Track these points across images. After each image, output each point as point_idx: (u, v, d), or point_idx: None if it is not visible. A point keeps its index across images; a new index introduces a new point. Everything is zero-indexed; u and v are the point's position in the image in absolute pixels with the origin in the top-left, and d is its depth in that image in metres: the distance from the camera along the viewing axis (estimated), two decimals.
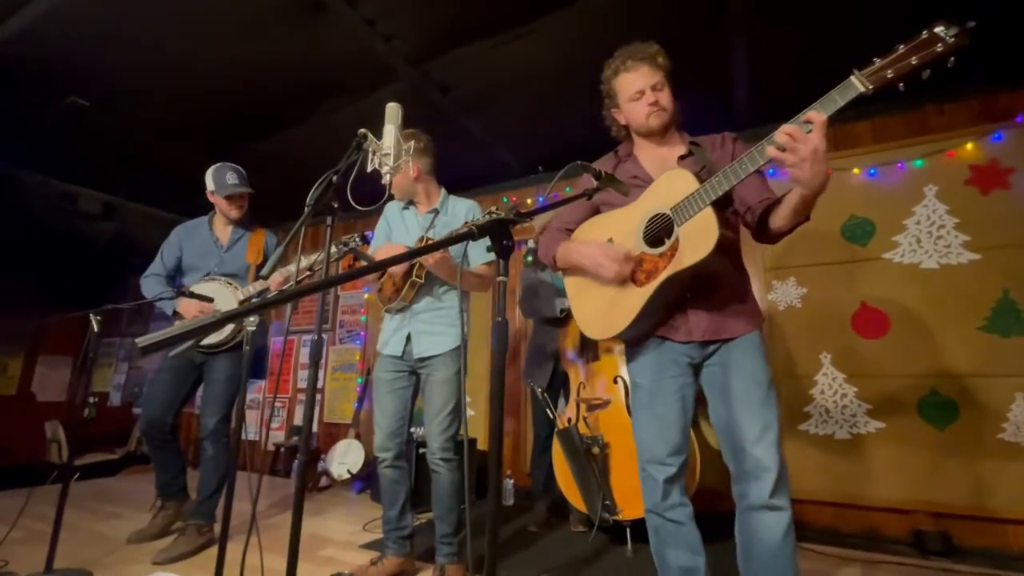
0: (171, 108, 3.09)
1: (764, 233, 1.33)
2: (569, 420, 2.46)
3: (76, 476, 4.02)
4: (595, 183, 1.15)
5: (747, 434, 1.26)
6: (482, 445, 3.53)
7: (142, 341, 0.53)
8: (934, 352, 2.51)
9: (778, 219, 1.26)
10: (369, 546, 2.36)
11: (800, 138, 1.05)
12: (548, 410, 2.59)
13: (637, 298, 1.31)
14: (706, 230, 1.19)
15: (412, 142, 2.03)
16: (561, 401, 2.57)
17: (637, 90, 1.44)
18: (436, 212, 2.06)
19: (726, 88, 2.81)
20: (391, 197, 2.03)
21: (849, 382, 2.65)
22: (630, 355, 1.46)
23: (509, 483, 3.21)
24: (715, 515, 2.44)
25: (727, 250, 1.28)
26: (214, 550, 2.02)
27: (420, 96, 2.85)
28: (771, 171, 3.00)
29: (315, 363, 1.19)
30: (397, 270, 1.95)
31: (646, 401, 1.40)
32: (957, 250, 2.55)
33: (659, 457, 1.35)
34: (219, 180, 2.47)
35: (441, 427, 1.92)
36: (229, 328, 2.25)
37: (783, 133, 1.07)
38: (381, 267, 0.98)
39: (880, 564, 2.23)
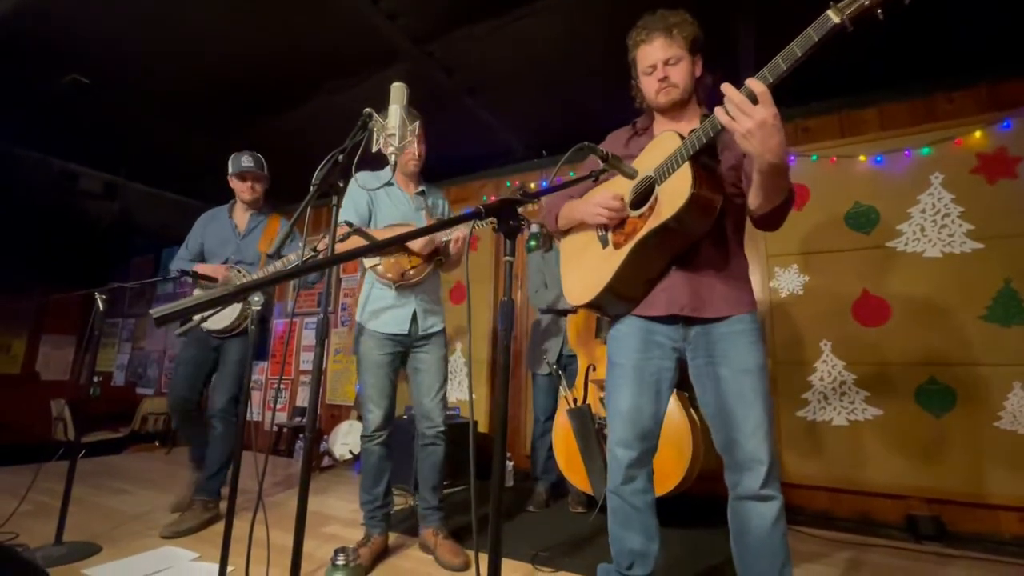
0: (173, 88, 3.06)
1: (751, 215, 1.30)
2: (575, 401, 2.48)
3: (83, 453, 4.08)
4: (601, 165, 1.14)
5: (740, 427, 1.26)
6: (483, 428, 3.57)
7: (157, 312, 0.54)
8: (934, 341, 2.52)
9: (751, 199, 1.23)
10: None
11: (747, 109, 1.01)
12: (562, 387, 2.59)
13: (615, 260, 1.31)
14: (681, 185, 1.17)
15: (418, 123, 2.03)
16: (565, 384, 2.59)
17: (650, 64, 1.38)
18: (424, 193, 2.09)
19: (736, 72, 2.78)
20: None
21: (848, 369, 2.67)
22: (612, 333, 1.46)
23: (509, 465, 3.25)
24: (718, 498, 2.49)
25: (712, 218, 1.24)
26: (220, 526, 2.06)
27: (424, 77, 2.82)
28: None
29: (321, 342, 1.20)
30: (418, 245, 1.93)
31: (621, 382, 1.39)
32: (961, 239, 2.54)
33: (626, 440, 1.36)
34: (234, 162, 2.57)
35: (439, 403, 1.98)
36: (236, 313, 2.29)
37: (723, 109, 1.04)
38: (418, 235, 0.88)
39: (873, 547, 2.27)
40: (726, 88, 1.04)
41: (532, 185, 3.82)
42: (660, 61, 1.37)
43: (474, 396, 3.71)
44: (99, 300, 1.99)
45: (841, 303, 2.74)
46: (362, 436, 1.95)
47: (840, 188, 2.83)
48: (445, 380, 1.99)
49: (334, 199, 1.27)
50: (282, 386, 4.74)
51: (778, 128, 1.04)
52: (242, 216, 2.63)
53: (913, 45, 2.48)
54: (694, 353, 1.36)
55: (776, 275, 2.92)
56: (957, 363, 2.46)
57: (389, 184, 2.06)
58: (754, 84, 1.02)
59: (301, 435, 4.00)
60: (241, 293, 0.55)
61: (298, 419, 4.28)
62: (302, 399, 4.50)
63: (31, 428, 4.10)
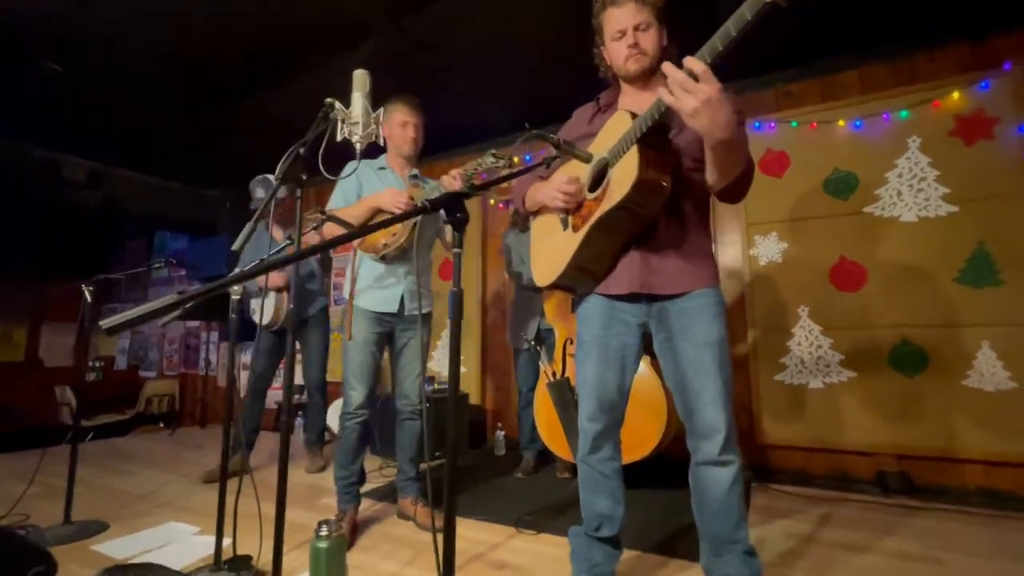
0: (145, 72, 3.03)
1: (711, 189, 1.31)
2: (553, 374, 2.56)
3: (90, 436, 4.22)
4: (555, 151, 1.17)
5: (700, 397, 1.31)
6: (474, 400, 3.68)
7: (106, 323, 0.58)
8: (908, 304, 2.57)
9: (708, 175, 1.24)
10: (366, 495, 2.52)
11: (690, 87, 1.00)
12: (540, 361, 2.67)
13: (574, 242, 1.35)
14: (629, 168, 1.19)
15: (411, 107, 2.06)
16: (544, 357, 2.66)
17: (619, 29, 1.35)
18: (416, 176, 2.11)
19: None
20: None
21: (825, 334, 2.74)
22: (579, 311, 1.50)
23: (500, 434, 3.37)
24: (684, 460, 2.60)
25: (662, 199, 1.25)
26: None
27: (399, 54, 2.79)
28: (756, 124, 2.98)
29: (294, 331, 1.25)
30: (388, 204, 1.90)
31: (587, 357, 1.44)
32: (936, 203, 2.56)
33: (592, 412, 1.42)
34: (252, 193, 2.93)
35: (418, 384, 2.07)
36: (272, 310, 2.88)
37: (667, 90, 1.03)
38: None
39: (844, 503, 2.38)
40: (667, 68, 1.04)
41: (516, 160, 3.81)
42: (630, 27, 1.34)
43: (466, 369, 3.81)
44: (86, 292, 2.03)
45: (819, 269, 2.78)
46: (343, 414, 1.98)
47: (820, 154, 2.83)
48: (425, 363, 2.05)
49: (297, 191, 1.30)
50: (281, 364, 4.83)
51: (723, 103, 1.04)
52: (277, 233, 2.92)
53: (894, 5, 2.43)
54: (657, 328, 1.41)
55: (756, 243, 2.95)
56: (930, 325, 2.52)
57: (383, 168, 2.09)
58: (693, 63, 1.01)
59: (300, 411, 4.12)
60: (180, 305, 0.60)
61: (296, 396, 4.38)
62: (299, 377, 4.59)
63: (37, 413, 4.22)
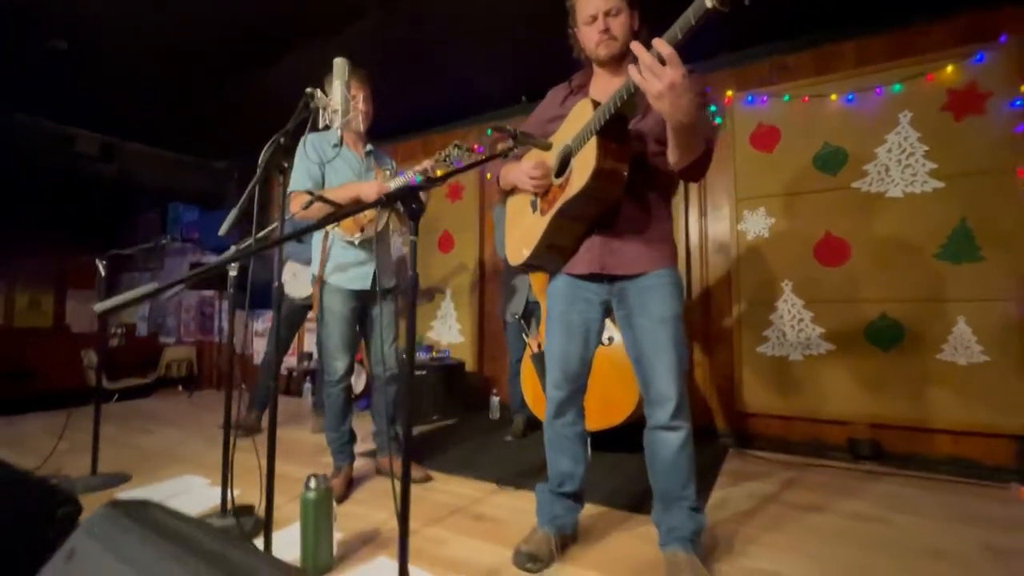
0: (154, 49, 3.11)
1: (673, 169, 1.35)
2: (539, 346, 2.69)
3: (115, 398, 4.50)
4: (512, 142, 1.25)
5: (654, 368, 1.43)
6: (470, 367, 3.84)
7: (99, 307, 0.71)
8: (888, 279, 2.62)
9: (670, 156, 1.29)
10: (365, 454, 2.72)
11: (657, 71, 1.05)
12: (524, 334, 2.81)
13: (540, 226, 1.44)
14: (588, 159, 1.27)
15: (364, 81, 2.11)
16: (534, 328, 2.78)
17: (590, 14, 1.40)
18: (372, 153, 2.23)
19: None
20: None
21: (807, 308, 2.81)
22: (549, 289, 1.61)
23: (495, 400, 3.54)
24: None
25: (620, 186, 1.32)
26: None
27: (394, 30, 2.83)
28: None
29: (278, 308, 1.38)
30: (373, 194, 1.99)
31: (553, 331, 1.56)
32: (923, 178, 2.57)
33: (557, 381, 1.55)
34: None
35: (393, 350, 2.23)
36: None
37: (636, 68, 1.08)
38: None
39: (814, 468, 2.51)
40: (637, 48, 1.08)
41: (472, 148, 3.84)
42: (601, 12, 1.38)
43: (463, 339, 3.96)
44: (100, 266, 2.18)
45: (804, 244, 2.83)
46: (327, 382, 2.13)
47: (811, 128, 2.84)
48: (397, 331, 2.20)
49: (280, 178, 1.40)
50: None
51: (687, 88, 1.09)
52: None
53: None
54: (617, 305, 1.51)
55: (744, 218, 3.00)
56: (908, 300, 2.58)
57: (337, 145, 2.14)
58: (661, 46, 1.05)
59: (308, 377, 4.34)
60: (160, 291, 0.72)
61: (305, 363, 4.60)
62: (309, 343, 4.81)
63: (65, 376, 4.50)
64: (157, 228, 6.09)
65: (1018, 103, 2.39)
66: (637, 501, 2.01)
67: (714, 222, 3.10)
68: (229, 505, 1.73)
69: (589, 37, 1.43)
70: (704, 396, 3.09)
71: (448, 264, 4.06)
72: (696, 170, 1.34)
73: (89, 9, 2.72)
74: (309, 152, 2.06)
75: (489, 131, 3.93)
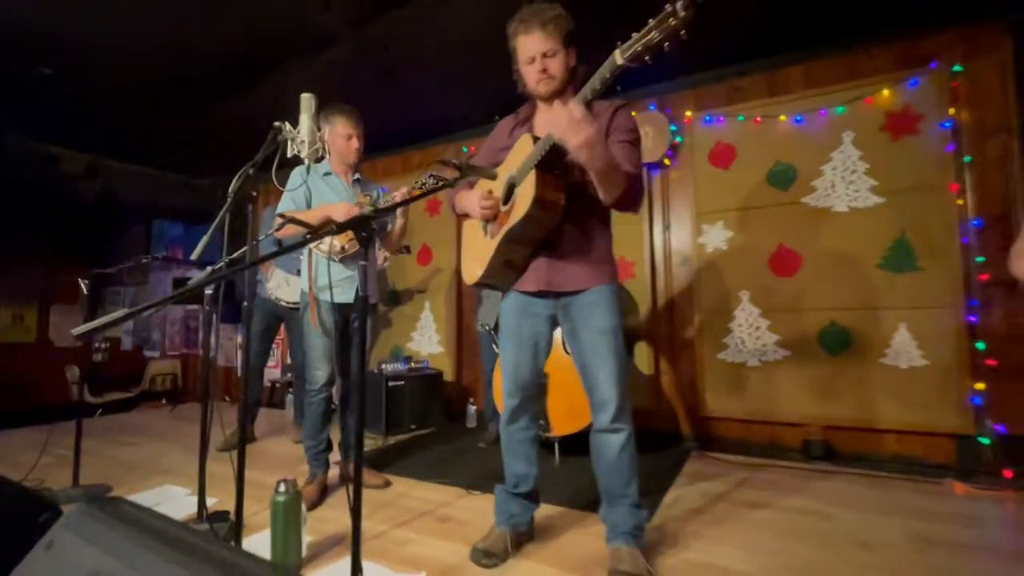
0: (136, 73, 3.21)
1: (604, 203, 1.48)
2: None
3: (98, 412, 4.55)
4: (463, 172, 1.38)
5: (595, 376, 1.56)
6: (448, 377, 3.95)
7: (76, 331, 0.82)
8: (836, 288, 2.79)
9: (599, 192, 1.43)
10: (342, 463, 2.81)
11: (573, 129, 1.23)
12: (494, 344, 2.93)
13: (490, 248, 1.58)
14: (528, 189, 1.41)
15: (354, 119, 2.26)
16: (498, 341, 2.91)
17: (530, 55, 1.52)
18: (359, 181, 2.35)
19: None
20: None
21: (763, 316, 2.96)
22: (502, 305, 1.73)
23: (472, 408, 3.65)
24: (642, 431, 2.90)
25: (558, 214, 1.46)
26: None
27: (369, 55, 2.96)
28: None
29: (247, 323, 1.49)
30: (340, 215, 2.09)
31: (506, 344, 1.68)
32: (865, 194, 2.75)
33: (510, 390, 1.67)
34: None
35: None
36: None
37: (555, 130, 1.27)
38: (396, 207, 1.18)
39: (768, 468, 2.65)
40: (556, 110, 1.27)
41: (428, 182, 4.00)
42: (539, 54, 1.51)
43: (443, 349, 4.08)
44: (82, 285, 2.28)
45: (760, 256, 2.99)
46: (309, 391, 2.23)
47: (764, 147, 3.01)
48: (373, 343, 2.31)
49: (249, 207, 1.52)
50: (274, 345, 5.13)
51: (599, 142, 1.29)
52: None
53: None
54: (563, 319, 1.64)
55: (704, 232, 3.16)
56: (854, 308, 2.74)
57: (328, 174, 2.30)
58: (574, 108, 1.24)
59: (290, 388, 4.41)
60: (132, 315, 0.84)
61: (288, 374, 4.68)
62: (288, 358, 4.89)
63: (49, 391, 4.55)
64: (142, 243, 6.15)
65: (947, 125, 2.57)
66: (595, 501, 2.11)
67: (676, 235, 3.26)
68: (205, 511, 1.82)
69: (530, 76, 1.56)
70: (670, 401, 3.22)
71: (427, 276, 4.18)
72: (624, 203, 1.48)
73: (74, 37, 2.83)
74: (297, 179, 2.20)
75: (464, 148, 4.08)
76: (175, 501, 2.25)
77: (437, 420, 3.67)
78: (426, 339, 4.15)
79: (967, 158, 2.54)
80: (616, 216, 1.62)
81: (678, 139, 3.26)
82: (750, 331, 2.99)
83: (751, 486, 2.37)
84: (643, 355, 3.29)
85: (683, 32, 1.07)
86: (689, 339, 3.18)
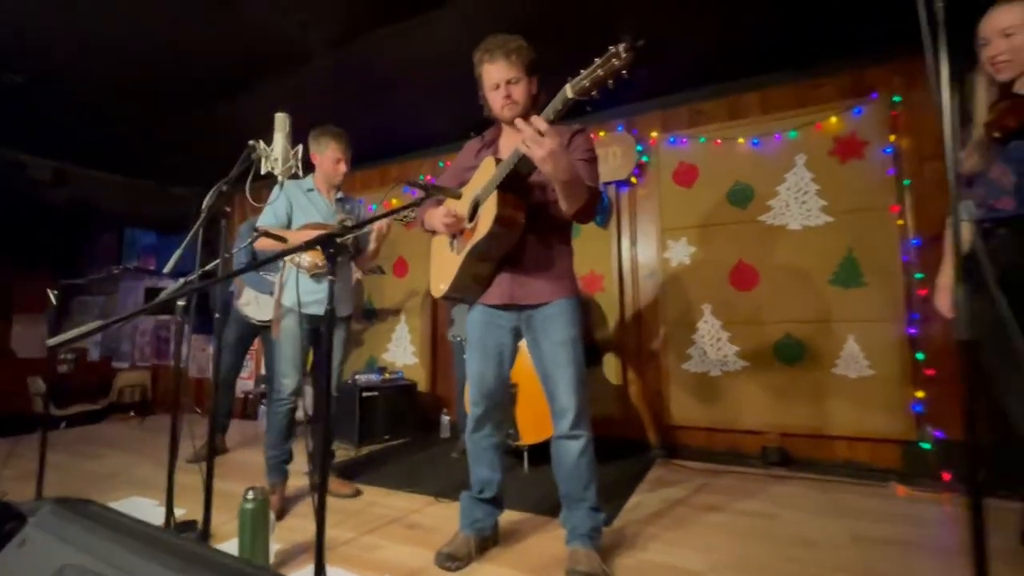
0: (107, 83, 3.23)
1: (565, 214, 1.56)
2: None
3: (63, 425, 4.45)
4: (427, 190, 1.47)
5: (555, 385, 1.65)
6: (423, 387, 4.00)
7: (51, 342, 0.88)
8: (791, 302, 2.95)
9: (560, 204, 1.52)
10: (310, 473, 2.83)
11: (537, 142, 1.31)
12: (464, 355, 3.00)
13: (455, 264, 1.66)
14: (491, 208, 1.50)
15: (341, 143, 2.34)
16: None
17: (494, 83, 1.61)
18: (342, 200, 2.41)
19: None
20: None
21: (724, 328, 3.10)
22: (468, 317, 1.81)
23: (446, 419, 3.70)
24: (610, 439, 2.99)
25: (519, 231, 1.55)
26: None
27: (343, 73, 3.04)
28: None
29: (219, 336, 1.54)
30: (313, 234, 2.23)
31: (472, 355, 1.77)
32: (816, 213, 2.93)
33: (475, 399, 1.76)
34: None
35: (338, 375, 2.36)
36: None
37: (523, 141, 1.34)
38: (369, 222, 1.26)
39: (731, 473, 2.77)
40: (520, 124, 1.36)
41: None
42: (503, 81, 1.62)
43: (417, 360, 4.12)
44: (51, 296, 2.28)
45: (720, 271, 3.14)
46: (275, 400, 2.25)
47: (724, 167, 3.18)
48: (344, 357, 2.35)
49: (223, 223, 1.58)
50: (248, 357, 5.09)
51: (563, 154, 1.37)
52: None
53: (792, 32, 2.73)
54: (526, 330, 1.73)
55: (669, 247, 3.30)
56: (807, 321, 2.90)
57: (311, 190, 2.36)
58: (538, 122, 1.32)
59: (264, 400, 4.40)
60: (105, 327, 0.89)
61: (261, 386, 4.66)
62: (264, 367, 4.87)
63: (10, 403, 4.43)
64: (113, 252, 6.06)
65: (889, 150, 2.77)
66: (560, 506, 2.20)
67: (643, 250, 3.40)
68: (172, 520, 1.84)
69: (495, 101, 1.66)
70: (637, 410, 3.33)
71: (403, 288, 4.24)
72: (583, 214, 1.58)
73: (46, 45, 2.84)
74: (280, 194, 2.23)
75: (440, 163, 4.17)
76: (142, 512, 2.24)
77: (411, 430, 3.71)
78: (401, 350, 4.20)
79: (906, 181, 2.74)
80: (586, 231, 1.73)
81: (644, 158, 3.41)
82: (712, 342, 3.13)
83: (710, 491, 2.48)
84: (611, 366, 3.40)
85: (624, 72, 1.18)
86: (655, 350, 3.30)
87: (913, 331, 2.66)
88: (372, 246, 2.36)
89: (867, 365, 2.75)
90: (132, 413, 4.97)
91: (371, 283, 4.36)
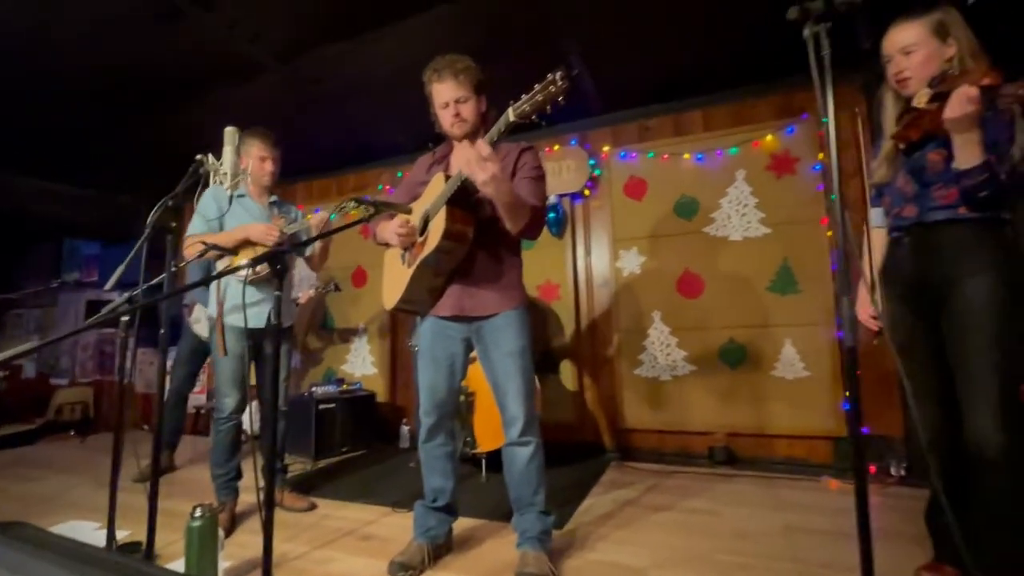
0: (46, 92, 3.10)
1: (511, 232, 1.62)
2: None
3: None
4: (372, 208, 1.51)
5: (506, 393, 1.71)
6: (382, 397, 3.99)
7: None
8: (733, 309, 3.12)
9: (504, 223, 1.58)
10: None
11: (481, 166, 1.38)
12: None
13: (407, 276, 1.71)
14: (439, 223, 1.56)
15: (270, 143, 2.28)
16: None
17: (443, 101, 1.68)
18: (275, 203, 2.36)
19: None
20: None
21: (673, 334, 3.25)
22: (420, 328, 1.86)
23: (405, 429, 3.70)
24: (568, 444, 3.05)
25: (467, 244, 1.61)
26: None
27: (293, 86, 3.03)
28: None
29: (164, 351, 1.53)
30: (258, 236, 2.15)
31: (423, 365, 1.81)
32: (756, 225, 3.11)
33: (427, 409, 1.80)
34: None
35: (285, 388, 2.33)
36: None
37: (467, 162, 1.41)
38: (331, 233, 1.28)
39: (680, 474, 2.89)
40: (465, 150, 1.43)
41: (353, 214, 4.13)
42: (452, 100, 1.68)
43: (377, 371, 4.11)
44: None
45: (669, 280, 3.29)
46: (217, 419, 2.20)
47: (670, 182, 3.34)
48: (289, 369, 2.34)
49: (168, 238, 1.57)
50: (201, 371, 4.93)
51: (504, 179, 1.45)
52: None
53: (731, 56, 2.91)
54: (476, 341, 1.79)
55: (621, 257, 3.43)
56: (748, 326, 3.07)
57: (241, 196, 2.28)
58: (481, 147, 1.40)
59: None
60: (42, 347, 0.89)
61: (213, 400, 4.52)
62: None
63: None
64: (52, 262, 5.75)
65: (818, 167, 2.99)
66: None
67: (597, 260, 3.52)
68: (114, 543, 1.79)
69: (445, 119, 1.73)
70: (593, 415, 3.43)
71: (362, 298, 4.22)
72: (529, 231, 1.66)
73: None
74: (208, 201, 2.20)
75: (399, 173, 4.18)
76: (82, 535, 2.16)
77: (369, 441, 3.68)
78: (360, 360, 4.17)
79: (833, 196, 2.94)
80: (543, 241, 1.81)
81: (597, 172, 3.54)
82: (662, 348, 3.27)
83: (659, 491, 2.59)
84: (568, 372, 3.49)
85: (561, 99, 1.27)
86: (609, 356, 3.41)
87: (842, 335, 2.86)
88: (319, 244, 2.32)
89: (803, 367, 2.94)
90: (72, 432, 4.72)
91: (332, 301, 4.31)
